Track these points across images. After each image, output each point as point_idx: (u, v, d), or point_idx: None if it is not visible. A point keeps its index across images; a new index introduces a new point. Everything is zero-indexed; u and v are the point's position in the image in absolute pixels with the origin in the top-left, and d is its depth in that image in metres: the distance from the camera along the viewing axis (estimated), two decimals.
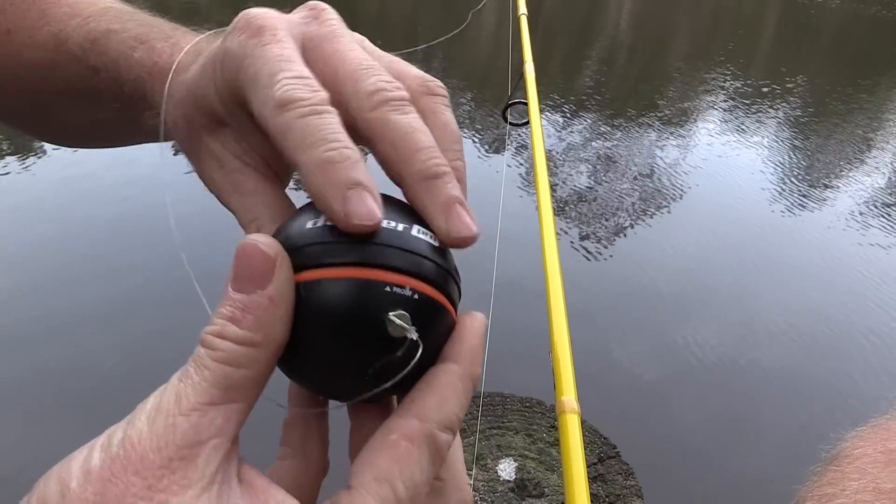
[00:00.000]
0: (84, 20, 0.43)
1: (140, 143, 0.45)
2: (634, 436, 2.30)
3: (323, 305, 0.24)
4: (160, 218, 2.80)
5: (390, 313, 0.24)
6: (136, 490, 0.19)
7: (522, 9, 1.53)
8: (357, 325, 0.24)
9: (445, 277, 0.26)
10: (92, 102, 0.43)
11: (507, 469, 2.02)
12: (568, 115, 5.70)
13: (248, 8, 0.29)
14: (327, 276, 0.24)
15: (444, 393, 0.24)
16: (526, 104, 1.02)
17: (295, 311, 0.24)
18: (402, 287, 0.24)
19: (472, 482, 1.91)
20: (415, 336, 0.24)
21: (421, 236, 0.26)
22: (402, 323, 0.24)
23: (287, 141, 0.24)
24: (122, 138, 0.47)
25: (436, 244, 0.26)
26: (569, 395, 0.77)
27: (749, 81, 7.50)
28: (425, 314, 0.25)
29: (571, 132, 5.32)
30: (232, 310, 0.22)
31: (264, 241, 0.23)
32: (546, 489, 1.95)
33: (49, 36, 0.43)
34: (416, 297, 0.25)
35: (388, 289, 0.24)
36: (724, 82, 7.32)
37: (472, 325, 0.26)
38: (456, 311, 0.27)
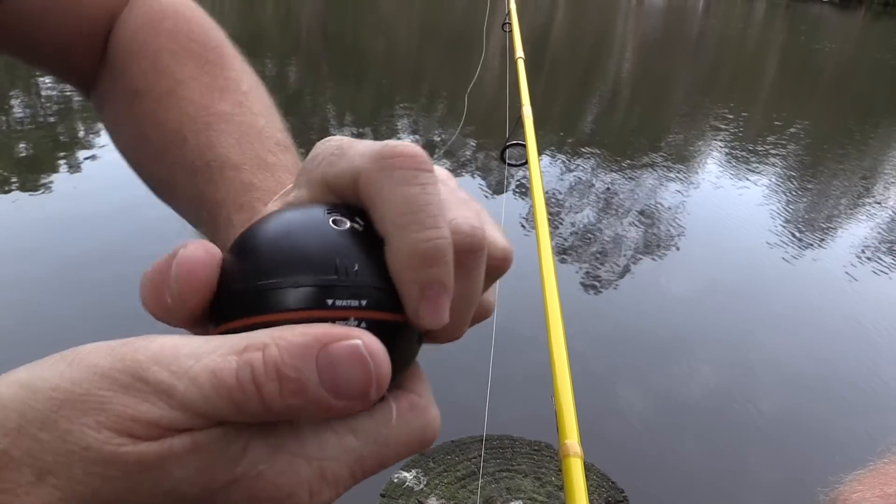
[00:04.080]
0: (206, 124, 0.46)
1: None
2: (642, 480, 2.26)
3: None
4: None
5: None
6: None
7: (519, 52, 1.55)
8: None
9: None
10: (194, 205, 0.46)
11: None
12: (568, 156, 5.75)
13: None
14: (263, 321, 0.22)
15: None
16: (524, 146, 1.03)
17: None
18: (344, 320, 0.22)
19: None
20: None
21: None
22: None
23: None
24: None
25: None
26: (571, 438, 0.76)
27: (749, 126, 7.56)
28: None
29: (572, 173, 5.35)
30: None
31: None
32: None
33: (173, 122, 0.47)
34: (363, 325, 0.22)
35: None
36: (724, 126, 7.38)
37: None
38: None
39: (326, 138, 0.26)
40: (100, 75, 0.52)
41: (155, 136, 0.47)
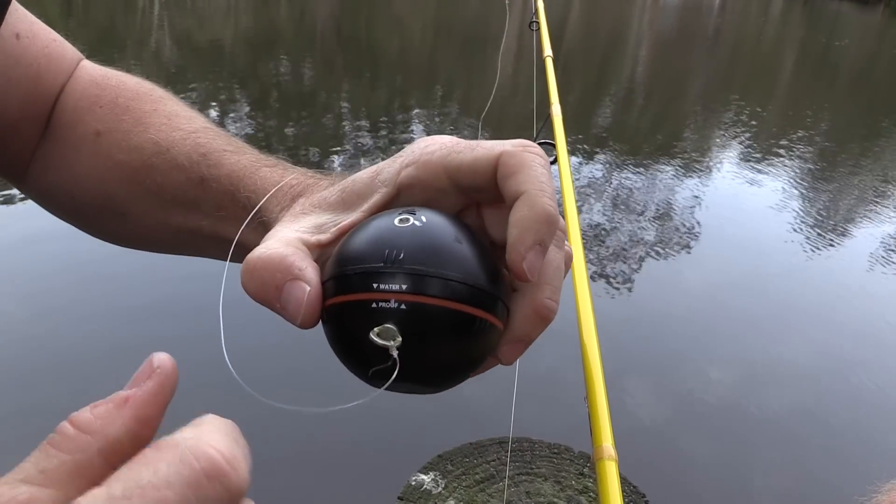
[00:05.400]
0: (187, 135, 0.47)
1: (205, 255, 0.48)
2: (663, 483, 2.24)
3: (335, 327, 0.29)
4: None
5: (374, 329, 0.26)
6: None
7: (548, 51, 1.55)
8: (350, 339, 0.28)
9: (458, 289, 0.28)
10: (186, 208, 0.46)
11: None
12: (585, 153, 5.72)
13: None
14: (334, 303, 0.29)
15: None
16: (552, 145, 1.02)
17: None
18: (386, 301, 0.27)
19: None
20: (395, 353, 0.26)
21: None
22: (380, 341, 0.26)
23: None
24: (196, 246, 0.49)
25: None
26: (606, 441, 0.74)
27: (767, 122, 7.50)
28: (420, 321, 0.27)
29: (588, 171, 5.33)
30: None
31: None
32: None
33: (148, 142, 0.47)
34: (402, 307, 0.27)
35: (373, 305, 0.27)
36: (742, 122, 7.32)
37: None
38: (493, 316, 0.29)
39: (428, 137, 0.35)
40: (38, 148, 0.52)
41: (132, 159, 0.47)
